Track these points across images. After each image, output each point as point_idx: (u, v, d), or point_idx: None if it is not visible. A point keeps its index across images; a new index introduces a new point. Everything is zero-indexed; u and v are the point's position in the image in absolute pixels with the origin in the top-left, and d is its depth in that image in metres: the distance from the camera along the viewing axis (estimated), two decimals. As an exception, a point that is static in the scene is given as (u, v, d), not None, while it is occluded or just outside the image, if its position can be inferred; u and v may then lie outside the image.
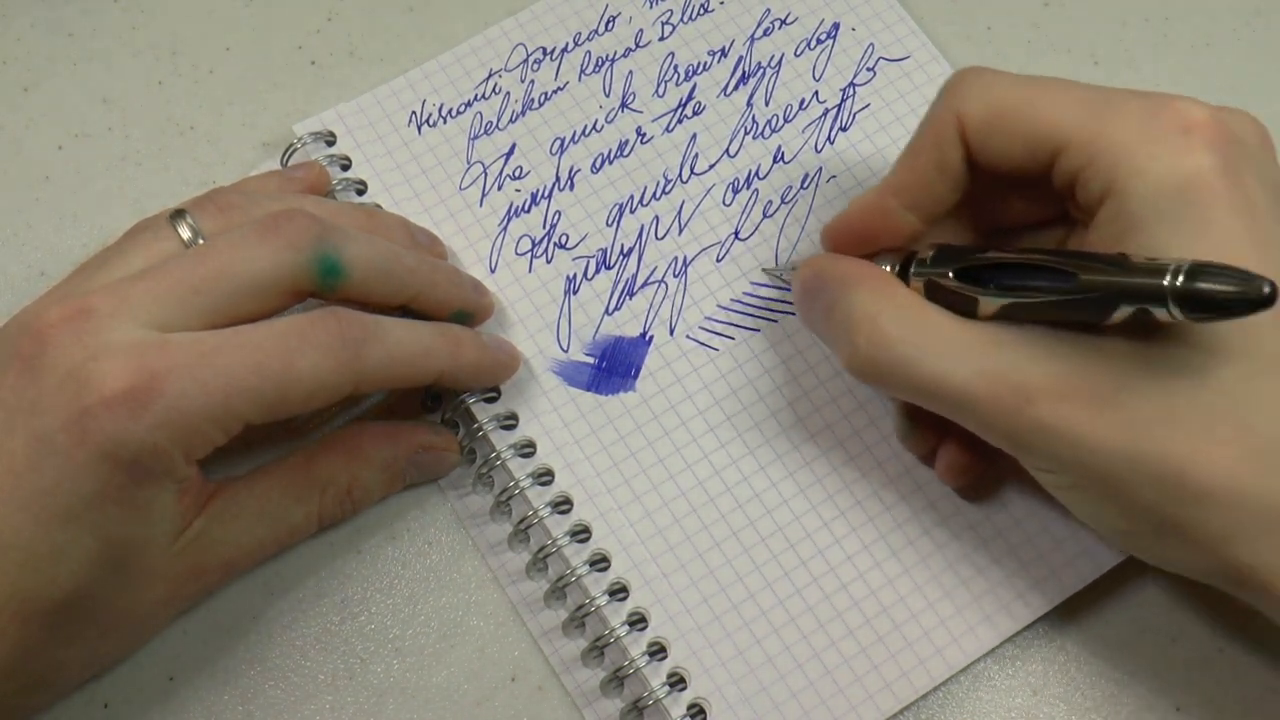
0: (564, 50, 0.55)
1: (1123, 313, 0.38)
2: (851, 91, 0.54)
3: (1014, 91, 0.43)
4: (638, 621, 0.46)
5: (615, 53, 0.55)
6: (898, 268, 0.44)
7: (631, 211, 0.52)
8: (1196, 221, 0.39)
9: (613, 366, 0.50)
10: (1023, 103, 0.42)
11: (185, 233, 0.44)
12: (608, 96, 0.54)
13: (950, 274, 0.42)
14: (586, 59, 0.55)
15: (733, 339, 0.50)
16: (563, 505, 0.48)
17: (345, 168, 0.52)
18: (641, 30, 0.55)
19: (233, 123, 0.55)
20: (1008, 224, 0.47)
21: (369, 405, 0.50)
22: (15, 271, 0.52)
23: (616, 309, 0.51)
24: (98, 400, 0.39)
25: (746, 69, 0.55)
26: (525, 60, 0.55)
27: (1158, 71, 0.56)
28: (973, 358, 0.41)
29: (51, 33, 0.56)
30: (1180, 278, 0.36)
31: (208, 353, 0.40)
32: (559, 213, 0.52)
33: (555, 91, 0.54)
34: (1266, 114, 0.55)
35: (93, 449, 0.39)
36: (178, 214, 0.45)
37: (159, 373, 0.39)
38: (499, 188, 0.53)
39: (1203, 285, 0.36)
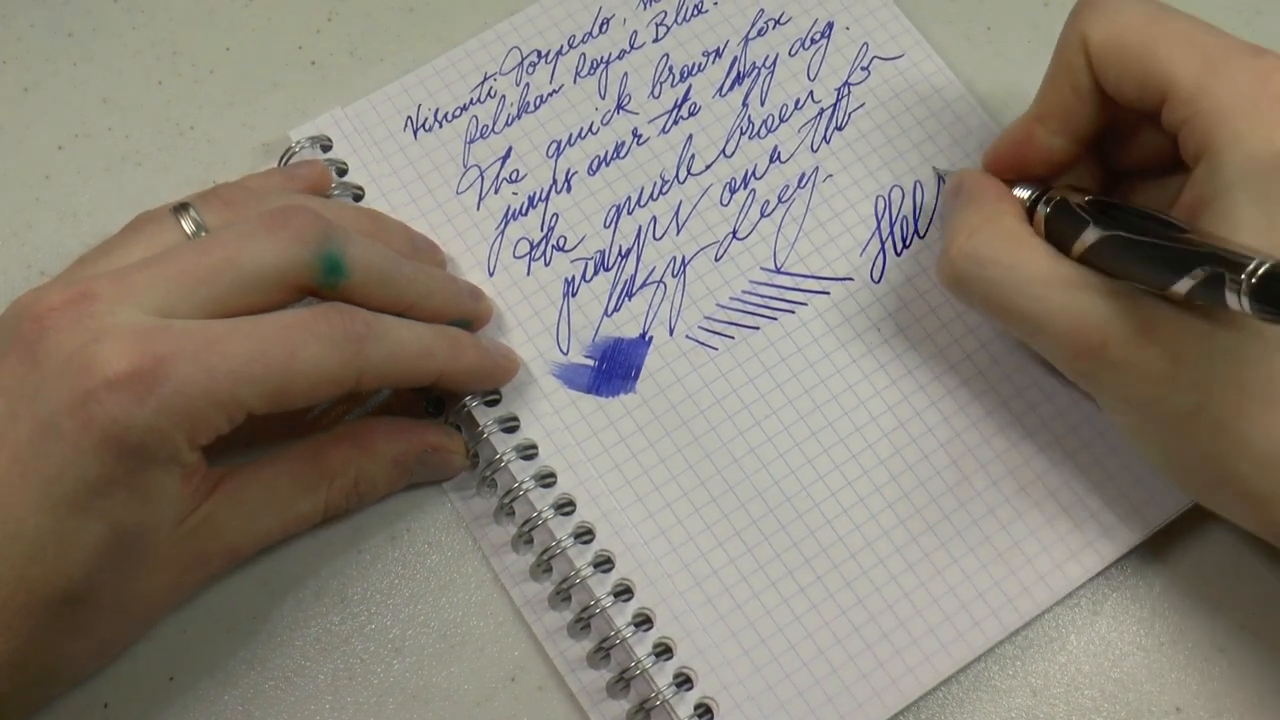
0: (558, 53, 0.55)
1: (1188, 283, 0.38)
2: (846, 91, 0.55)
3: (1137, 25, 0.43)
4: (643, 622, 0.46)
5: (610, 55, 0.55)
6: (1035, 195, 0.46)
7: (629, 213, 0.52)
8: None
9: (613, 368, 0.50)
10: (1142, 40, 0.43)
11: (188, 226, 0.44)
12: (603, 99, 0.54)
13: (1086, 199, 0.44)
14: (581, 61, 0.55)
15: (732, 338, 0.50)
16: (566, 507, 0.48)
17: (342, 173, 0.52)
18: (636, 32, 0.56)
19: (233, 123, 0.55)
20: (1137, 163, 0.47)
21: (373, 404, 0.50)
22: (15, 271, 0.52)
23: (615, 310, 0.51)
24: (101, 382, 0.38)
25: (741, 69, 0.55)
26: (520, 64, 0.55)
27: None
28: (1058, 293, 0.43)
29: (51, 33, 0.56)
30: (1261, 269, 0.36)
31: (212, 339, 0.40)
32: (556, 215, 0.52)
33: (551, 94, 0.54)
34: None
35: (97, 433, 0.38)
36: (181, 207, 0.45)
37: (163, 356, 0.39)
38: (496, 191, 0.53)
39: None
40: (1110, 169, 0.49)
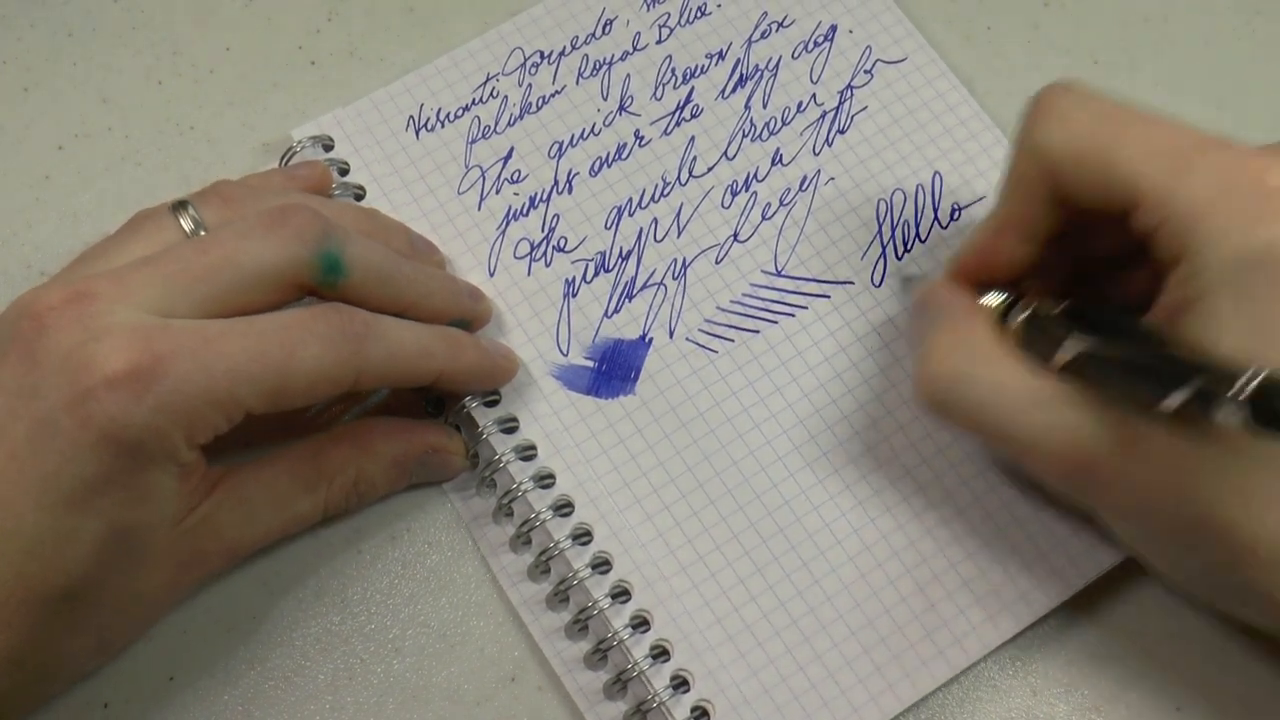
0: (561, 54, 0.55)
1: (1178, 399, 0.36)
2: (849, 94, 0.55)
3: (1094, 129, 0.42)
4: (640, 624, 0.46)
5: (613, 56, 0.55)
6: (1007, 302, 0.45)
7: (630, 214, 0.52)
8: (1267, 297, 0.38)
9: (612, 369, 0.50)
10: (1101, 146, 0.42)
11: (187, 224, 0.44)
12: (605, 100, 0.54)
13: (1061, 306, 0.43)
14: (584, 62, 0.55)
15: (732, 341, 0.50)
16: (564, 508, 0.48)
17: (344, 172, 0.53)
18: (639, 33, 0.56)
19: (233, 123, 0.55)
20: (1104, 252, 0.46)
21: (372, 403, 0.50)
22: (15, 271, 0.52)
23: (615, 312, 0.51)
24: (99, 380, 0.38)
25: (744, 72, 0.55)
26: (523, 64, 0.55)
27: (1158, 71, 0.56)
28: (1041, 413, 0.41)
29: (51, 33, 0.56)
30: (1253, 384, 0.34)
31: (211, 338, 0.40)
32: (557, 216, 0.52)
33: (553, 95, 0.54)
34: (1267, 114, 0.56)
35: (94, 431, 0.38)
36: (180, 205, 0.45)
37: (162, 354, 0.39)
38: (497, 191, 0.53)
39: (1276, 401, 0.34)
40: (1076, 255, 0.47)
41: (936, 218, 0.52)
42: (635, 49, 0.55)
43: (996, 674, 0.47)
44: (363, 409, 0.50)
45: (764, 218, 0.52)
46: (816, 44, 0.56)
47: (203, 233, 0.44)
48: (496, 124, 0.54)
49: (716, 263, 0.52)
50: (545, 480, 0.48)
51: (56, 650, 0.42)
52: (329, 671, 0.47)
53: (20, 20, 0.57)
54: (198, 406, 0.40)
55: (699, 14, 0.56)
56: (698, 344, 0.50)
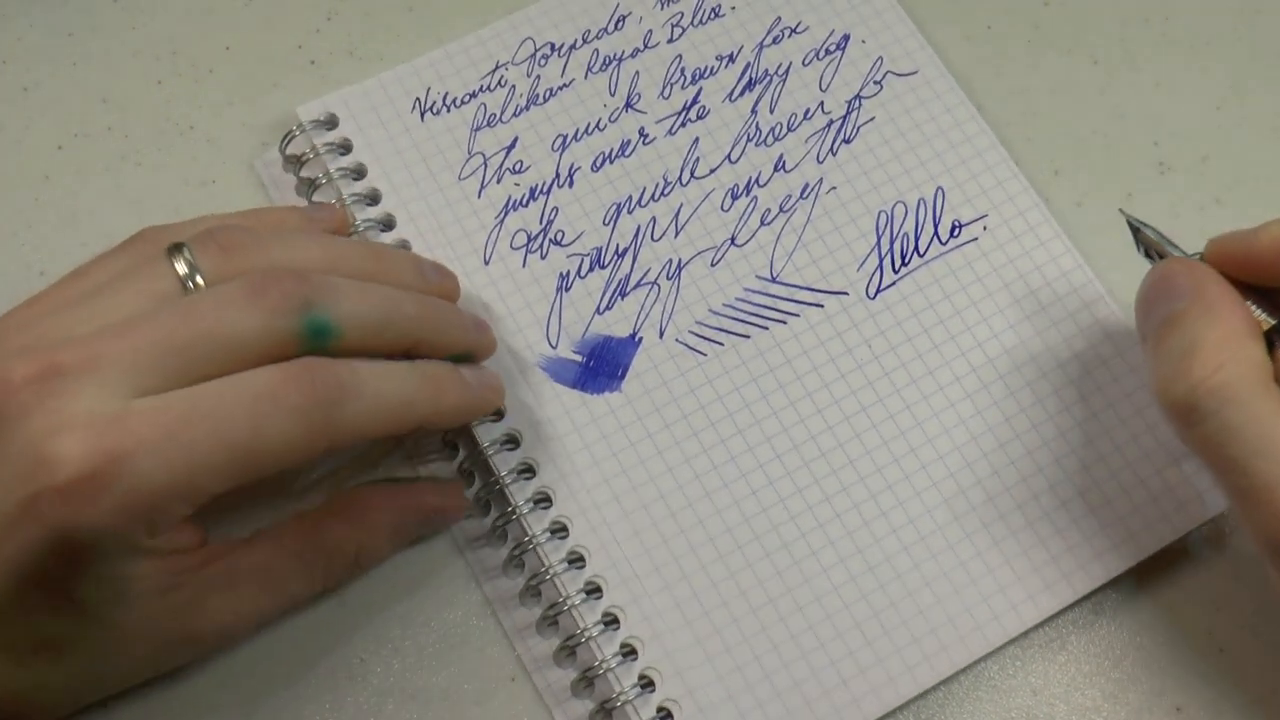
0: (572, 47, 0.55)
1: None
2: (857, 104, 0.54)
3: None
4: (611, 622, 0.46)
5: (623, 52, 0.55)
6: (1275, 324, 0.41)
7: (629, 212, 0.52)
8: None
9: (600, 366, 0.50)
10: None
11: (181, 268, 0.42)
12: (612, 95, 0.54)
13: None
14: (594, 57, 0.55)
15: (722, 345, 0.50)
16: (543, 501, 0.47)
17: (346, 151, 0.52)
18: (651, 31, 0.55)
19: (232, 122, 0.55)
20: None
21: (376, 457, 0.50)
22: (15, 271, 0.52)
23: (608, 308, 0.51)
24: (51, 486, 0.37)
25: (753, 76, 0.55)
26: (533, 55, 0.55)
27: (1158, 71, 0.56)
28: None
29: (51, 33, 0.56)
30: None
31: (172, 425, 0.39)
32: (556, 209, 0.52)
33: (560, 88, 0.54)
34: (1267, 115, 0.56)
35: (48, 531, 0.38)
36: (176, 248, 0.43)
37: (118, 455, 0.38)
38: (498, 180, 0.53)
39: None
40: None
41: (936, 233, 0.52)
42: (646, 46, 0.55)
43: (996, 674, 0.47)
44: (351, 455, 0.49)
45: (763, 223, 0.52)
46: (828, 52, 0.55)
47: (197, 278, 0.42)
48: (502, 113, 0.54)
49: (712, 265, 0.51)
50: (525, 473, 0.48)
51: (40, 684, 0.42)
52: (329, 672, 0.47)
53: (20, 20, 0.57)
54: (158, 501, 0.39)
55: (712, 15, 0.56)
56: (687, 345, 0.50)
